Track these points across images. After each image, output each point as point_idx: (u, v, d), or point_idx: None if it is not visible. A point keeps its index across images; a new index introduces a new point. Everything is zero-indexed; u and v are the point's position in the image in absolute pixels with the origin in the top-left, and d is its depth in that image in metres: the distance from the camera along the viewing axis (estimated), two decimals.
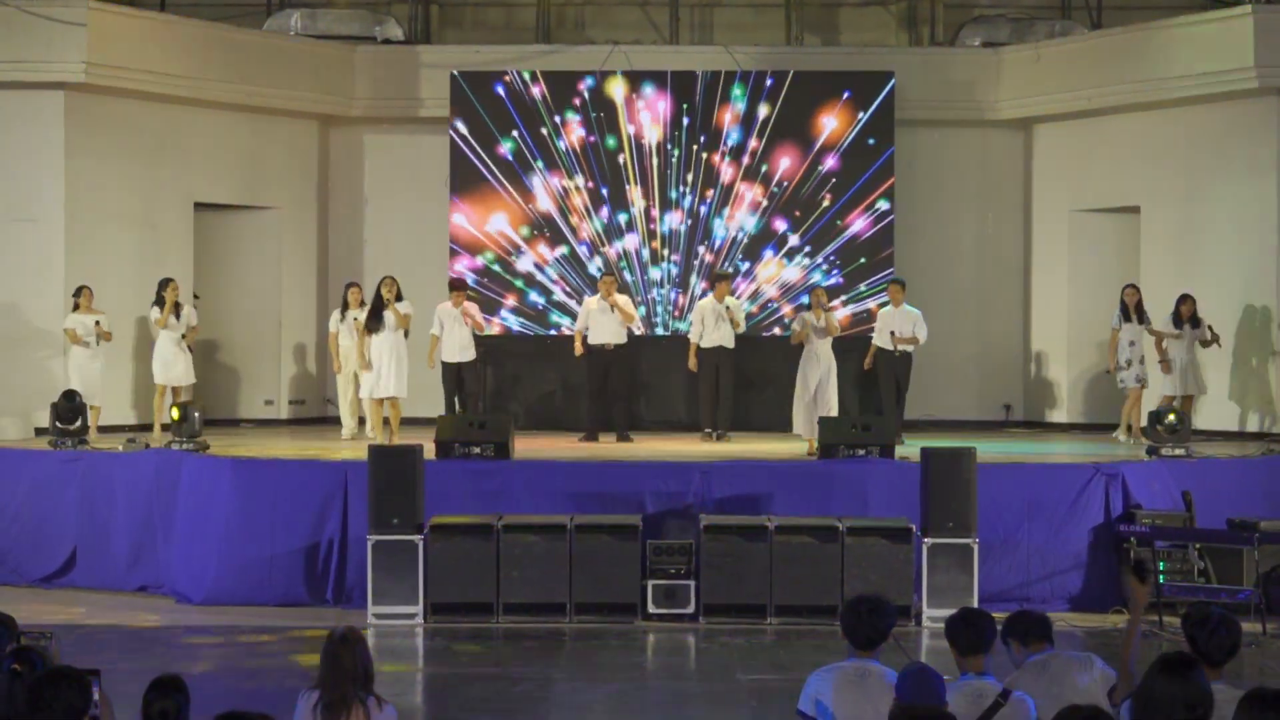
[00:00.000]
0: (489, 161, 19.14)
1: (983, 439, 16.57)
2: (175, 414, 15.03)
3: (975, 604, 12.49)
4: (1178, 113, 18.42)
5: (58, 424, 15.36)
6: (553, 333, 19.17)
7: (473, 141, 19.14)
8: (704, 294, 18.13)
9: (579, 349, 17.39)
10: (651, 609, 13.16)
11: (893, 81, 19.13)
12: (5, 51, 17.31)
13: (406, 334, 16.75)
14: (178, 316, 17.25)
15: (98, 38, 17.48)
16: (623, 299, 17.54)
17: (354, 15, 20.42)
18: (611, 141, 19.13)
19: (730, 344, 17.43)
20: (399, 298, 16.59)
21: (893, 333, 17.14)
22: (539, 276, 19.16)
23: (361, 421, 17.50)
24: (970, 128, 20.07)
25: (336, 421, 18.16)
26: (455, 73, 19.28)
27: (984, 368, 19.81)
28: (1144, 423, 15.78)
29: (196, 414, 15.00)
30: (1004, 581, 13.69)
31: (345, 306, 17.48)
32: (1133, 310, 17.05)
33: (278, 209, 19.87)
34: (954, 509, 13.06)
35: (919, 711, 5.42)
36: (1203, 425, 17.54)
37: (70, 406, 15.42)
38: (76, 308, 17.06)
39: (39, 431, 16.88)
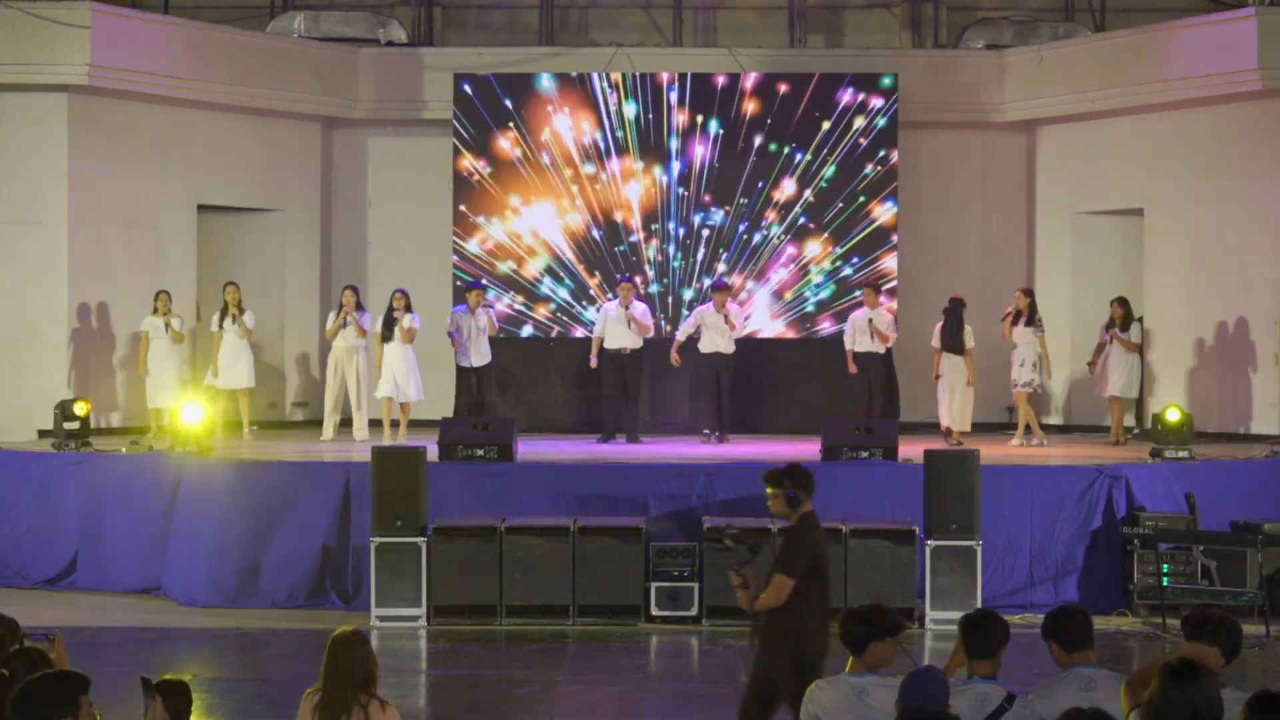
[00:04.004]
0: (492, 163, 19.13)
1: (986, 441, 16.60)
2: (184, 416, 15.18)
3: (979, 606, 12.50)
4: (1181, 115, 18.40)
5: (62, 426, 15.42)
6: (554, 335, 19.17)
7: (475, 143, 19.13)
8: (704, 299, 18.13)
9: (594, 361, 17.49)
10: (655, 611, 13.17)
11: (896, 84, 19.12)
12: (9, 54, 17.32)
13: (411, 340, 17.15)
14: (234, 321, 17.34)
15: (101, 40, 17.48)
16: (640, 308, 17.58)
17: (357, 17, 20.40)
18: (614, 144, 19.11)
19: (728, 350, 17.55)
20: (408, 309, 17.02)
21: (870, 320, 17.32)
22: (542, 278, 19.14)
23: (345, 423, 17.53)
24: (974, 130, 20.05)
25: (347, 424, 18.19)
26: (459, 75, 19.27)
27: (988, 370, 19.75)
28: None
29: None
30: (1007, 584, 13.71)
31: (341, 309, 17.47)
32: (1024, 314, 17.17)
33: (281, 211, 19.87)
34: (957, 511, 13.08)
35: (923, 714, 5.42)
36: (1206, 428, 17.55)
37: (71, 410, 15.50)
38: (155, 311, 17.27)
39: (43, 434, 16.89)
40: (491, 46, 20.33)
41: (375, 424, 17.50)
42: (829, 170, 19.02)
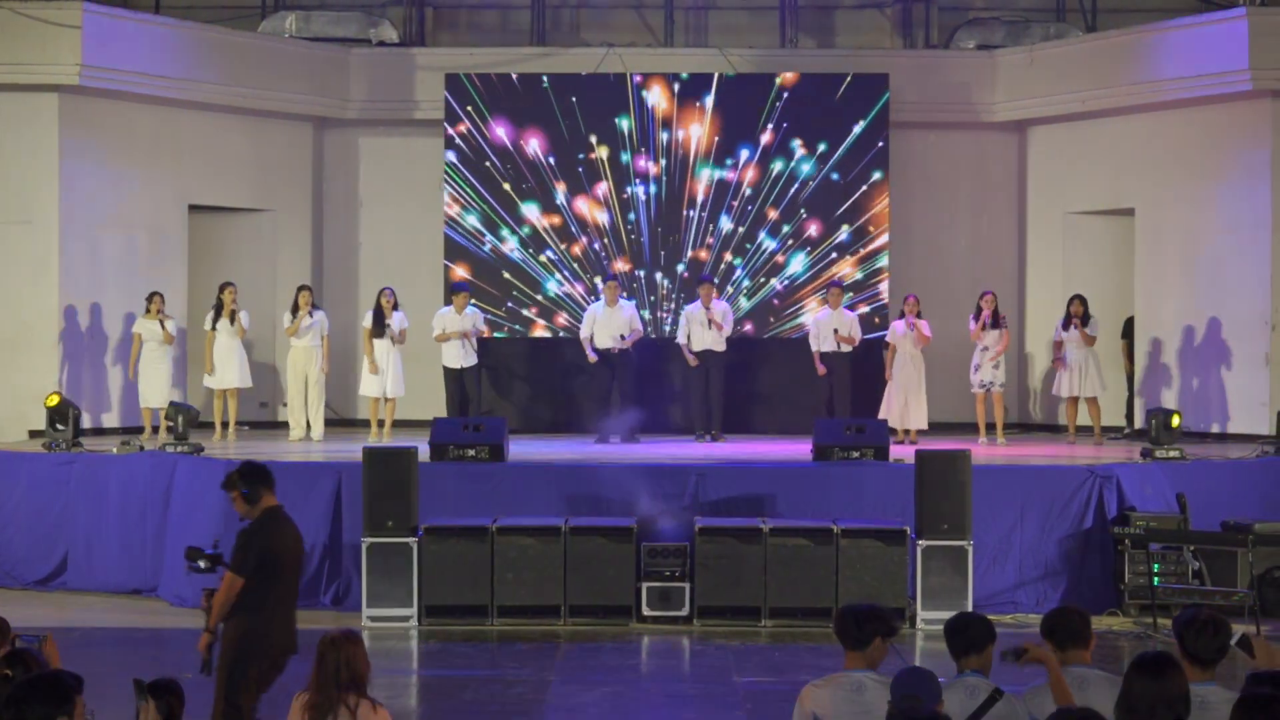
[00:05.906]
0: (483, 163, 19.13)
1: (964, 443, 16.61)
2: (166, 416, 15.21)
3: (970, 606, 12.55)
4: (1172, 115, 18.43)
5: (55, 427, 15.40)
6: (549, 334, 19.19)
7: (467, 143, 19.13)
8: (693, 299, 18.17)
9: (592, 355, 17.54)
10: (646, 611, 13.17)
11: (887, 84, 19.13)
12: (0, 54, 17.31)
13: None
14: (231, 321, 17.35)
15: (92, 40, 17.45)
16: (628, 309, 17.68)
17: (348, 17, 20.38)
18: (605, 144, 19.12)
19: (720, 347, 17.65)
20: (396, 307, 17.26)
21: (836, 330, 17.48)
22: (533, 278, 19.14)
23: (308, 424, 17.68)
24: (965, 130, 20.06)
25: (333, 424, 18.20)
26: (450, 75, 19.26)
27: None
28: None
29: (182, 416, 15.11)
30: (998, 584, 13.71)
31: (296, 309, 17.49)
32: (990, 317, 17.29)
33: (272, 211, 19.85)
34: (948, 511, 13.08)
35: (913, 714, 5.43)
36: (1197, 427, 17.59)
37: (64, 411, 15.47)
38: (148, 312, 17.25)
39: (34, 434, 16.88)
40: (483, 47, 20.33)
41: (363, 423, 17.60)
42: (819, 170, 19.03)
